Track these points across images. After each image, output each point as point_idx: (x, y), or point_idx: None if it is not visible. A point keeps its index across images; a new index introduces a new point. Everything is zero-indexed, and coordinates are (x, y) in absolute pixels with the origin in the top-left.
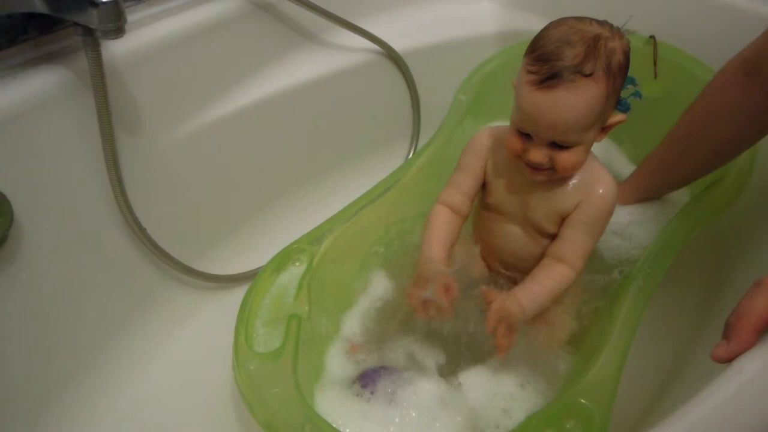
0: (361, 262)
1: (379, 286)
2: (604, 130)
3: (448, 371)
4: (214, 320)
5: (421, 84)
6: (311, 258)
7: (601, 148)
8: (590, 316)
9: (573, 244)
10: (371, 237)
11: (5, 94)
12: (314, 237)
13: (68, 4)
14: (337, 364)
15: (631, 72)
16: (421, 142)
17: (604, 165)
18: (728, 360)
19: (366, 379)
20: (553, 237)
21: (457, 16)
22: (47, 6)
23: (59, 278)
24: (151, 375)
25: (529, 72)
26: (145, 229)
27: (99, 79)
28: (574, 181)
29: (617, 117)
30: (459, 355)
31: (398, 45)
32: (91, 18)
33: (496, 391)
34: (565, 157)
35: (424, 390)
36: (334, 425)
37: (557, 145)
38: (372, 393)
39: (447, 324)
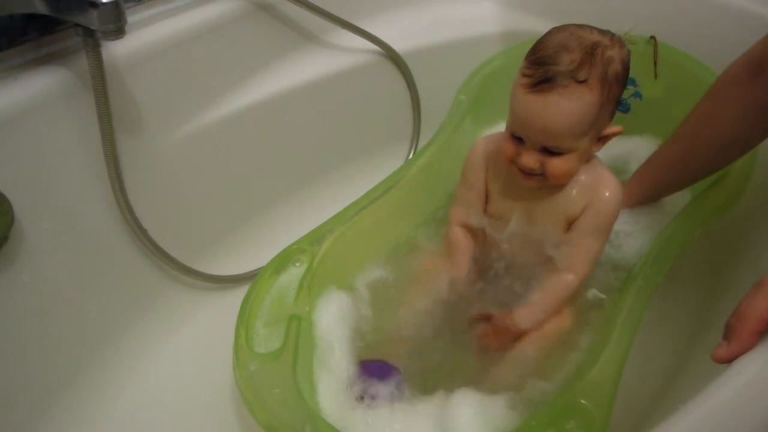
0: (362, 263)
1: (380, 287)
2: (601, 140)
3: (448, 376)
4: (215, 321)
5: (422, 85)
6: (312, 259)
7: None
8: (590, 317)
9: (580, 250)
10: (372, 237)
11: (6, 95)
12: (315, 237)
13: (69, 5)
14: (338, 364)
15: (632, 72)
16: (422, 143)
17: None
18: (729, 361)
19: (366, 371)
20: (557, 242)
21: (457, 16)
22: (48, 7)
23: (60, 278)
24: (151, 375)
25: (525, 75)
26: (145, 230)
27: (99, 80)
28: (579, 185)
29: (614, 128)
30: (458, 361)
31: (398, 45)
32: (92, 19)
33: (496, 394)
34: (555, 164)
35: (424, 394)
36: (334, 426)
37: (549, 152)
38: (373, 398)
39: (447, 330)
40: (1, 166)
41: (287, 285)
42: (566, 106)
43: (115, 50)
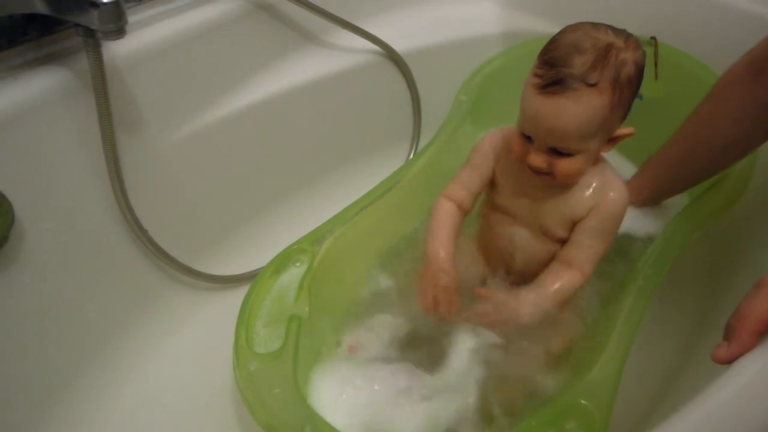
0: (362, 263)
1: (381, 287)
2: (612, 141)
3: (446, 370)
4: (215, 321)
5: (422, 85)
6: (312, 259)
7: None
8: (591, 317)
9: (584, 250)
10: (372, 238)
11: (6, 95)
12: (315, 238)
13: (69, 5)
14: (338, 364)
15: None
16: (422, 143)
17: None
18: (729, 361)
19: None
20: (562, 242)
21: (457, 16)
22: (48, 7)
23: (60, 278)
24: (151, 375)
25: (536, 75)
26: (146, 230)
27: (100, 80)
28: (587, 186)
29: (625, 130)
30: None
31: (399, 46)
32: (92, 19)
33: (495, 393)
34: (564, 164)
35: (423, 391)
36: (333, 425)
37: (558, 152)
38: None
39: (447, 325)
40: (1, 166)
41: (287, 285)
42: (575, 110)
43: (115, 50)
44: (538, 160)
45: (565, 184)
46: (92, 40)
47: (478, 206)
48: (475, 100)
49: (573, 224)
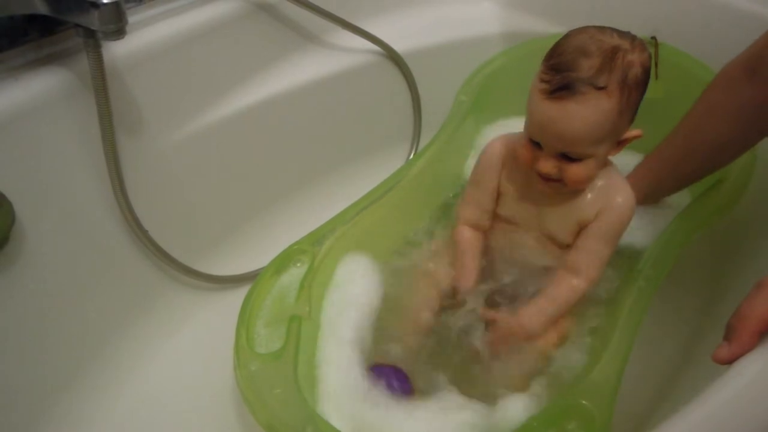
0: (362, 263)
1: (381, 287)
2: (620, 144)
3: (450, 379)
4: (215, 321)
5: (422, 85)
6: (312, 259)
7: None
8: (591, 318)
9: (590, 254)
10: (373, 238)
11: (6, 96)
12: (315, 238)
13: (69, 6)
14: (338, 364)
15: None
16: (422, 143)
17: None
18: (729, 362)
19: (377, 373)
20: (567, 247)
21: (457, 16)
22: (48, 7)
23: (60, 278)
24: (151, 375)
25: (542, 80)
26: (146, 230)
27: (100, 81)
28: (594, 190)
29: (633, 132)
30: (461, 363)
31: (399, 46)
32: (92, 19)
33: (496, 397)
34: (574, 170)
35: (429, 396)
36: (336, 426)
37: (567, 157)
38: (387, 387)
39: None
40: (1, 167)
41: (288, 285)
42: (584, 114)
43: (115, 51)
44: (547, 166)
45: (573, 190)
46: (92, 40)
47: None
48: (475, 99)
49: (579, 228)
